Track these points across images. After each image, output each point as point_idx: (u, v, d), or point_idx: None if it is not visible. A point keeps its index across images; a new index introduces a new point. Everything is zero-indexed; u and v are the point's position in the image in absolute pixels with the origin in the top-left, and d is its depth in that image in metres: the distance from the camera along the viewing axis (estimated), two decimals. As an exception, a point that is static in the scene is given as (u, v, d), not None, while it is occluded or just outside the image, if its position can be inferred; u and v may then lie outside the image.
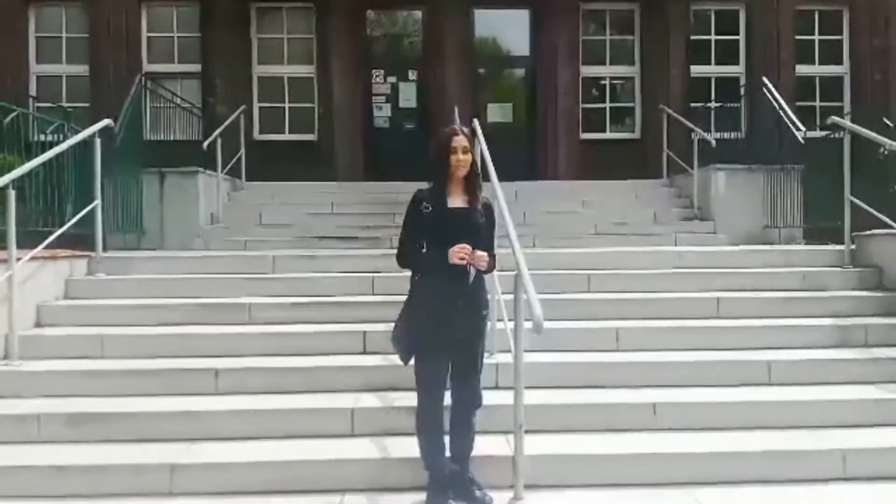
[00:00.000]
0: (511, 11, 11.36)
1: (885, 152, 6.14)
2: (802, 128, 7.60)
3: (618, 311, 4.97)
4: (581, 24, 11.12)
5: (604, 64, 11.29)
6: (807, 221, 7.28)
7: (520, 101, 11.57)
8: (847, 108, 10.93)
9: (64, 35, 11.02)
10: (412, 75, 11.23)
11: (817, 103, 11.11)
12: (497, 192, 4.32)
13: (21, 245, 4.52)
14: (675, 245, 6.84)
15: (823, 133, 7.19)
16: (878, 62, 11.07)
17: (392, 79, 11.20)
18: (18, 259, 4.46)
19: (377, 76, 11.16)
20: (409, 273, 3.37)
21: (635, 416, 3.91)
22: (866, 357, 4.50)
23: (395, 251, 3.40)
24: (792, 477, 3.54)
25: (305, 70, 11.04)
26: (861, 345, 4.69)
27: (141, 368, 4.29)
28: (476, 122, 5.73)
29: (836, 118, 6.21)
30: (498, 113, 11.35)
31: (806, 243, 6.98)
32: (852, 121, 6.27)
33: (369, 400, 4.03)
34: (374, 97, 11.14)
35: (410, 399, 3.46)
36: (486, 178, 4.71)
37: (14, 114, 5.19)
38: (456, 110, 8.21)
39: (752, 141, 8.98)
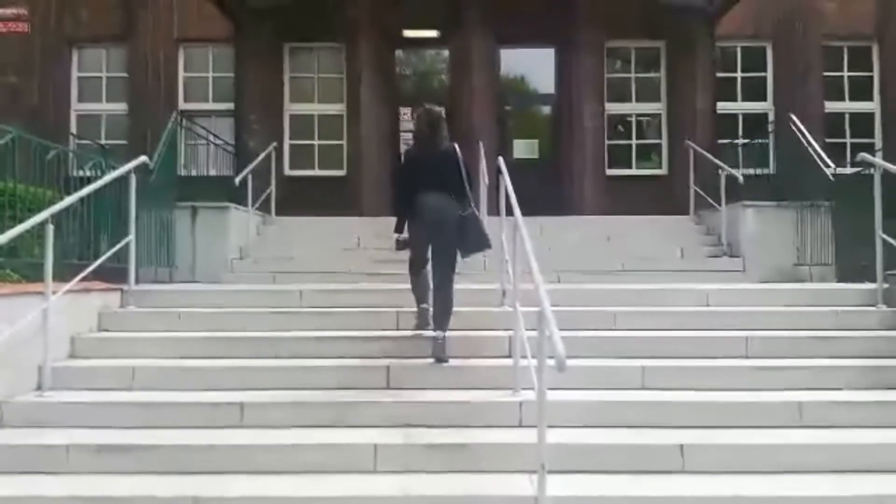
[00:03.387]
0: (537, 50, 11.54)
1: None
2: (832, 164, 7.54)
3: (644, 350, 4.90)
4: (606, 62, 11.24)
5: (630, 101, 11.35)
6: (838, 259, 7.15)
7: (546, 137, 11.67)
8: (878, 144, 10.80)
9: (104, 75, 11.46)
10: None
11: (847, 140, 11.01)
12: (520, 227, 4.34)
13: (57, 277, 4.65)
14: (703, 282, 6.75)
15: (854, 170, 7.11)
16: (909, 97, 10.98)
17: (420, 116, 11.38)
18: (54, 292, 4.58)
19: (405, 113, 11.37)
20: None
21: (662, 457, 3.83)
22: (902, 399, 4.37)
23: None
24: (825, 523, 3.43)
25: (335, 108, 11.30)
26: (896, 386, 4.57)
27: (169, 401, 4.35)
28: (500, 160, 5.79)
29: (865, 155, 6.14)
30: (524, 149, 11.45)
31: (838, 281, 6.85)
32: (883, 157, 6.19)
33: (392, 435, 4.02)
34: (401, 134, 11.34)
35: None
36: (510, 213, 4.75)
37: (54, 152, 5.39)
38: (481, 146, 8.28)
39: (781, 177, 8.91)
